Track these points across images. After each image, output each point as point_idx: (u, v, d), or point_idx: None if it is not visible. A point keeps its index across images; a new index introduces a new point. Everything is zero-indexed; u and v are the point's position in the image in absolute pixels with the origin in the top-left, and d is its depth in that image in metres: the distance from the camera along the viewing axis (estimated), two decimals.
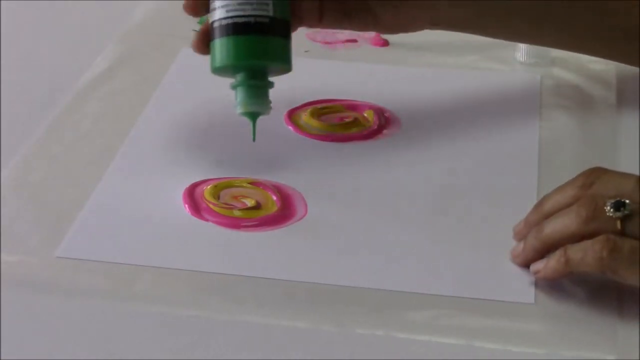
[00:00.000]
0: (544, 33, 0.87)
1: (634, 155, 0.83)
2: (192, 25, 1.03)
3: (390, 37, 1.00)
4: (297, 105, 0.89)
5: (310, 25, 0.83)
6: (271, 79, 0.80)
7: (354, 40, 1.01)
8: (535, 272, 0.70)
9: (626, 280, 0.67)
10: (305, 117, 0.88)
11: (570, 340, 0.67)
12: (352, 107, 0.90)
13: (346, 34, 1.01)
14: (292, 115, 0.88)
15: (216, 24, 0.78)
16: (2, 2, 1.05)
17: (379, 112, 0.89)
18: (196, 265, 0.73)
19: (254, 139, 0.80)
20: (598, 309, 0.69)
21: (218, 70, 0.79)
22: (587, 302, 0.69)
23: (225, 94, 0.89)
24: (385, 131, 0.87)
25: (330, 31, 1.01)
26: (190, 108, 0.90)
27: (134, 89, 0.93)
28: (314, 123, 0.87)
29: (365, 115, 0.89)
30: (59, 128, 0.87)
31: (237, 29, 0.77)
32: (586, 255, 0.67)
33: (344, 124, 0.87)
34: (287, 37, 0.79)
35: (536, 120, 0.88)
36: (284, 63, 0.79)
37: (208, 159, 0.84)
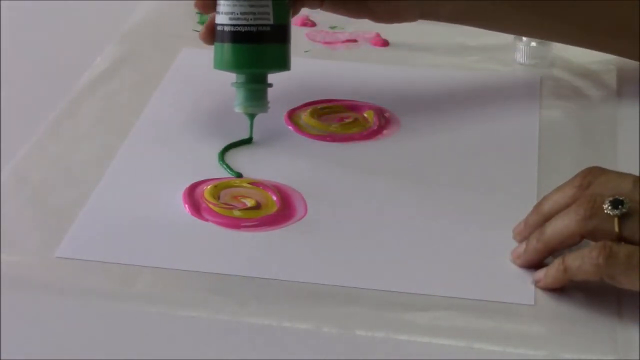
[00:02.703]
0: (536, 26, 0.88)
1: (633, 156, 0.83)
2: (192, 25, 1.03)
3: (390, 37, 1.00)
4: (297, 105, 0.89)
5: (311, 6, 0.87)
6: (270, 76, 0.84)
7: (354, 40, 1.01)
8: (536, 282, 0.70)
9: (624, 286, 0.67)
10: (305, 117, 0.88)
11: (570, 341, 0.67)
12: (352, 107, 0.90)
13: (346, 34, 1.01)
14: (292, 115, 0.88)
15: (220, 28, 0.82)
16: (2, 2, 1.05)
17: (379, 112, 0.89)
18: (196, 265, 0.73)
19: (250, 137, 0.84)
20: (598, 310, 0.69)
21: (220, 69, 0.84)
22: (587, 303, 0.69)
23: (225, 94, 0.89)
24: (385, 131, 0.87)
25: (330, 31, 1.01)
26: (190, 108, 0.90)
27: (134, 89, 0.93)
28: (314, 123, 0.87)
29: (365, 115, 0.89)
30: (59, 128, 0.87)
31: (239, 37, 0.82)
32: (583, 262, 0.67)
33: (344, 124, 0.87)
34: (286, 41, 0.83)
35: (536, 121, 0.88)
36: (283, 67, 0.83)
37: (208, 159, 0.84)
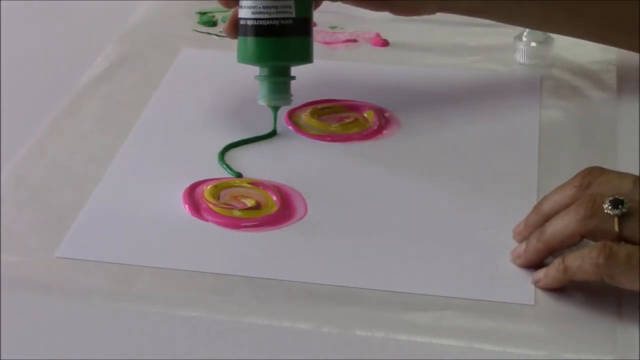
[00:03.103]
0: (552, 18, 0.88)
1: (633, 156, 0.83)
2: (192, 25, 1.03)
3: (390, 37, 1.00)
4: (297, 105, 0.89)
5: None
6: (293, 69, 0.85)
7: (354, 40, 1.00)
8: (536, 282, 0.70)
9: (624, 286, 0.67)
10: (305, 117, 0.88)
11: (570, 341, 0.67)
12: (352, 107, 0.90)
13: (346, 34, 1.01)
14: (292, 115, 0.88)
15: (242, 22, 0.83)
16: (2, 2, 1.05)
17: (379, 112, 0.89)
18: (196, 265, 0.73)
19: (274, 129, 0.86)
20: (598, 310, 0.69)
21: (243, 63, 0.85)
22: (587, 303, 0.69)
23: (224, 94, 0.89)
24: (385, 131, 0.87)
25: (330, 31, 1.01)
26: (190, 108, 0.90)
27: (134, 89, 0.93)
28: (314, 123, 0.87)
29: (365, 115, 0.89)
30: (59, 128, 0.87)
31: (262, 31, 0.82)
32: (583, 262, 0.67)
33: (344, 124, 0.87)
34: (309, 34, 0.84)
35: (536, 121, 0.88)
36: (305, 60, 0.84)
37: (208, 159, 0.84)
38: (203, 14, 1.04)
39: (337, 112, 0.89)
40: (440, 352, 0.66)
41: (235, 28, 0.84)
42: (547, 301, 0.70)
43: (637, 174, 0.71)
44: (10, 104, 0.90)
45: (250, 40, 0.83)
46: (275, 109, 0.85)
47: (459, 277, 0.72)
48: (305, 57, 0.84)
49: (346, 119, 0.88)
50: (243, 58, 0.84)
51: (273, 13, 0.82)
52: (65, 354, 0.66)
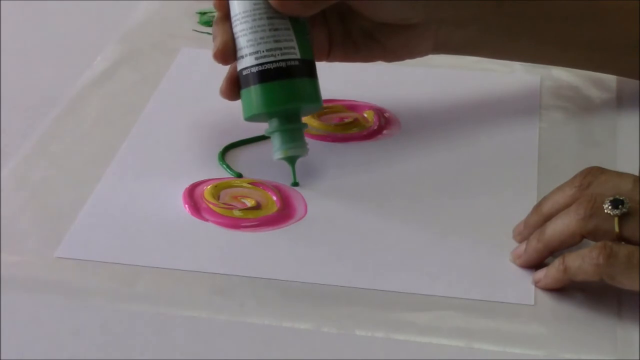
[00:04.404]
0: (546, 53, 0.87)
1: (633, 156, 0.83)
2: (192, 25, 1.03)
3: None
4: None
5: (317, 59, 0.82)
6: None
7: None
8: (536, 282, 0.70)
9: (624, 286, 0.67)
10: (305, 117, 0.88)
11: (570, 341, 0.67)
12: (352, 107, 0.90)
13: None
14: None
15: (245, 72, 0.78)
16: (2, 2, 1.05)
17: (379, 112, 0.89)
18: (196, 266, 0.73)
19: (294, 181, 0.80)
20: (598, 310, 0.69)
21: (252, 118, 0.80)
22: (587, 303, 0.69)
23: None
24: (385, 131, 0.87)
25: None
26: (190, 108, 0.90)
27: (134, 89, 0.93)
28: (314, 123, 0.87)
29: (365, 115, 0.89)
30: (59, 128, 0.87)
31: (269, 75, 0.77)
32: (583, 262, 0.67)
33: (344, 124, 0.87)
34: (314, 76, 0.79)
35: (536, 122, 0.88)
36: (316, 101, 0.79)
37: (208, 159, 0.84)
38: (203, 14, 1.04)
39: (337, 112, 0.89)
40: (440, 352, 0.66)
41: (235, 89, 0.79)
42: (547, 301, 0.70)
43: (637, 174, 0.71)
44: (11, 104, 0.90)
45: (258, 87, 0.78)
46: (293, 161, 0.80)
47: (459, 277, 0.72)
48: (315, 98, 0.79)
49: (346, 119, 0.88)
50: (250, 110, 0.78)
51: (278, 55, 0.77)
52: (65, 354, 0.66)
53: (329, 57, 0.84)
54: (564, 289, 0.70)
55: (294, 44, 0.78)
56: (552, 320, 0.69)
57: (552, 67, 0.94)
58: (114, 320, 0.68)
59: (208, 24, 1.02)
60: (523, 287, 0.71)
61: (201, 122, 0.88)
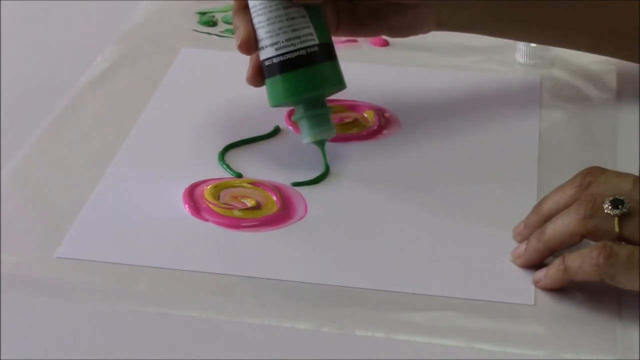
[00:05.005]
0: (548, 33, 0.88)
1: (633, 156, 0.83)
2: (192, 25, 1.03)
3: (390, 38, 1.00)
4: None
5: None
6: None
7: (354, 40, 1.00)
8: (536, 282, 0.70)
9: (624, 286, 0.67)
10: None
11: (570, 341, 0.67)
12: (352, 107, 0.90)
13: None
14: (293, 115, 0.88)
15: (268, 63, 0.80)
16: (2, 2, 1.05)
17: (379, 112, 0.89)
18: (196, 266, 0.73)
19: (325, 166, 0.82)
20: (598, 310, 0.69)
21: (278, 106, 0.81)
22: (587, 303, 0.69)
23: (224, 94, 0.89)
24: (385, 131, 0.87)
25: None
26: (190, 108, 0.90)
27: (134, 89, 0.93)
28: None
29: (365, 115, 0.89)
30: (59, 128, 0.87)
31: (291, 64, 0.79)
32: (583, 262, 0.67)
33: (344, 124, 0.87)
34: (334, 58, 0.81)
35: (536, 121, 0.88)
36: (339, 84, 0.81)
37: (208, 159, 0.83)
38: (203, 14, 1.04)
39: (337, 112, 0.89)
40: (440, 352, 0.66)
41: (259, 75, 0.81)
42: (547, 301, 0.70)
43: (637, 174, 0.71)
44: (11, 104, 0.90)
45: (280, 78, 0.79)
46: (322, 144, 0.82)
47: (459, 277, 0.72)
48: (338, 82, 0.81)
49: (346, 119, 0.88)
50: (276, 99, 0.80)
51: (297, 44, 0.79)
52: (65, 354, 0.66)
53: (337, 33, 0.85)
54: (564, 289, 0.70)
55: (312, 30, 0.80)
56: (552, 321, 0.69)
57: (552, 67, 0.94)
58: (114, 320, 0.68)
59: (208, 24, 1.02)
60: (523, 287, 0.71)
61: (201, 122, 0.88)
